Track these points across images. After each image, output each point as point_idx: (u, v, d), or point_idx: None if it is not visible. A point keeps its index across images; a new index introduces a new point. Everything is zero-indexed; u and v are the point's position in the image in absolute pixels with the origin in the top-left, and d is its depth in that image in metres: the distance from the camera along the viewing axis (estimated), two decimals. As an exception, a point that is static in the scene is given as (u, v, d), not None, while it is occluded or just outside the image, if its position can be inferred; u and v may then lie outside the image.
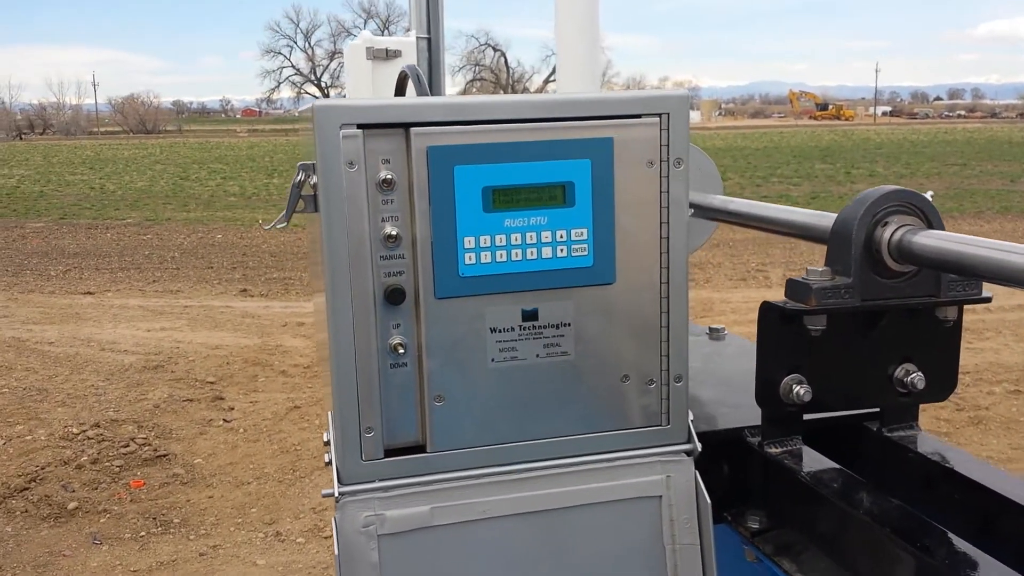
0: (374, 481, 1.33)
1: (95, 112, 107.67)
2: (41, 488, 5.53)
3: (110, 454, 6.03)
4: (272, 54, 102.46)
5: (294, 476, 5.76)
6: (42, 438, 6.31)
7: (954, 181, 24.01)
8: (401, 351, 1.32)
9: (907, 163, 30.83)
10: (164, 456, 6.06)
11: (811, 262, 1.79)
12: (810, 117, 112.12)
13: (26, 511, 5.27)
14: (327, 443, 1.39)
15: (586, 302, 1.38)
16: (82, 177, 30.55)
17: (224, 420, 6.78)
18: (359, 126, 1.25)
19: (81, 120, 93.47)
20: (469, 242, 1.31)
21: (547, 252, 1.34)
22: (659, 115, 1.36)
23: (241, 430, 6.58)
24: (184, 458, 6.06)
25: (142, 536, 5.03)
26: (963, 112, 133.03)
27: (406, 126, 1.27)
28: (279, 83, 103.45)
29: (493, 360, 1.36)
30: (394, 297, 1.30)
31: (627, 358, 1.41)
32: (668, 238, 1.39)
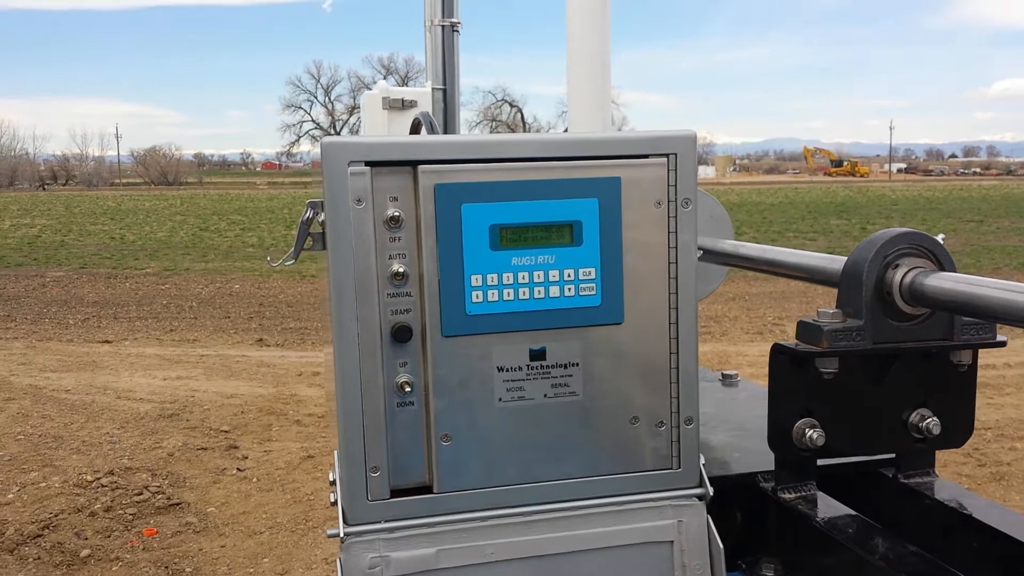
0: (380, 522, 1.32)
1: (117, 164, 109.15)
2: (54, 535, 5.50)
3: (123, 502, 6.00)
4: (293, 108, 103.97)
5: (307, 526, 5.71)
6: (56, 485, 6.30)
7: (971, 237, 23.93)
8: (408, 389, 1.31)
9: (923, 219, 30.78)
10: (177, 505, 6.03)
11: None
12: (825, 173, 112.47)
13: (39, 558, 5.24)
14: (333, 482, 1.38)
15: (594, 342, 1.37)
16: (103, 227, 30.86)
17: (238, 469, 6.75)
18: (367, 163, 1.26)
19: (103, 171, 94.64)
20: (476, 280, 1.31)
21: (555, 291, 1.34)
22: (667, 155, 1.36)
23: (255, 479, 6.55)
24: (197, 507, 6.03)
25: (152, 585, 4.99)
26: (978, 169, 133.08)
27: (414, 164, 1.28)
28: (299, 137, 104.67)
29: (500, 400, 1.34)
30: (401, 335, 1.29)
31: (636, 399, 1.39)
32: (677, 278, 1.38)
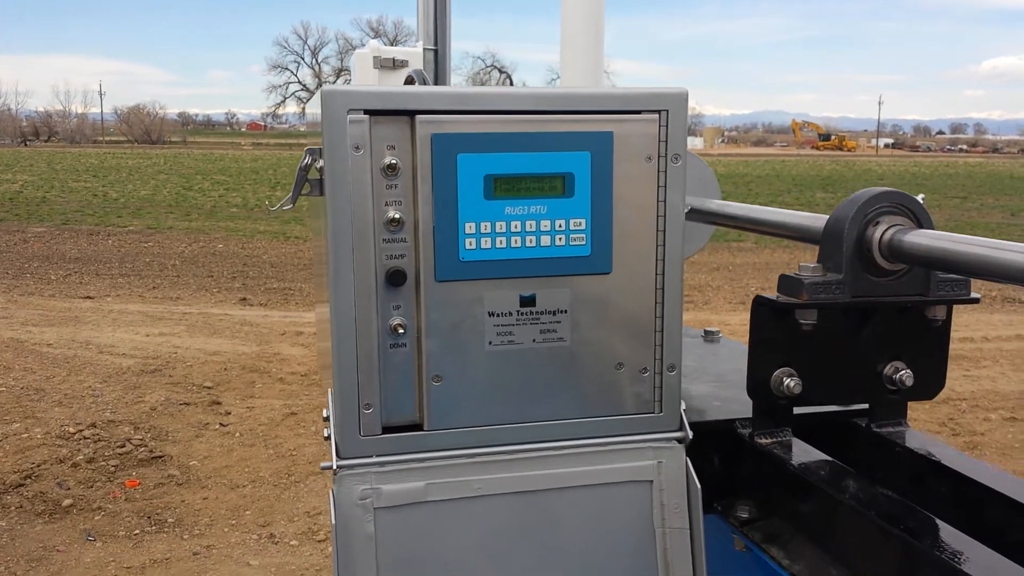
0: (372, 456, 1.37)
1: (101, 121, 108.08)
2: (36, 485, 5.54)
3: (106, 454, 6.05)
4: (279, 69, 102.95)
5: (289, 480, 5.78)
6: (38, 436, 6.33)
7: (955, 214, 24.09)
8: (401, 331, 1.35)
9: (908, 194, 30.90)
10: (160, 457, 6.08)
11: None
12: (812, 147, 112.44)
13: (21, 507, 5.29)
14: (327, 419, 1.43)
15: (583, 290, 1.41)
16: (85, 184, 30.61)
17: (220, 424, 6.80)
18: (366, 112, 1.29)
19: (86, 128, 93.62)
20: (470, 228, 1.35)
21: (546, 240, 1.38)
22: (658, 111, 1.40)
23: (237, 434, 6.60)
24: (180, 460, 6.08)
25: (136, 534, 5.04)
26: (965, 146, 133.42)
27: (412, 113, 1.31)
28: (285, 98, 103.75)
29: (491, 343, 1.39)
30: (395, 279, 1.33)
31: (621, 346, 1.44)
32: (664, 231, 1.42)
